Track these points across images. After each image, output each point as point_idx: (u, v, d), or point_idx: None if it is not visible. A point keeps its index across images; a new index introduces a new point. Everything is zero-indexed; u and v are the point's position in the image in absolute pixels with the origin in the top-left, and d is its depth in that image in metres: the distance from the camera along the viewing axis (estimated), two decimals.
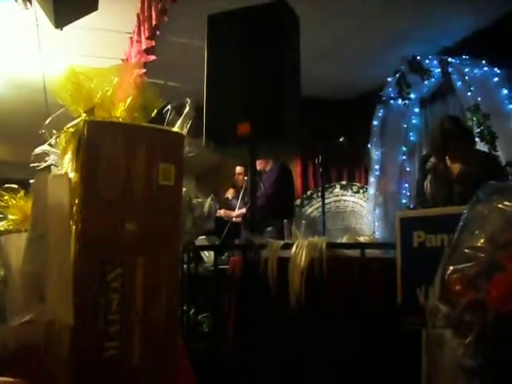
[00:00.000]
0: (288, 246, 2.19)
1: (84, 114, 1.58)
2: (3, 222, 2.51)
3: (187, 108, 1.83)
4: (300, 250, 2.13)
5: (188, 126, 1.78)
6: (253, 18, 2.81)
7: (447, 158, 3.72)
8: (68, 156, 1.61)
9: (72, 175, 1.52)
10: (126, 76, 1.74)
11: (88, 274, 1.38)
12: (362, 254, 2.21)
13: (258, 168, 4.92)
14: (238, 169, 5.90)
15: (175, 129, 1.73)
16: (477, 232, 1.30)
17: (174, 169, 1.50)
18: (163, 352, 1.48)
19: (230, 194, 6.12)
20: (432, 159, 3.76)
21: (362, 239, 2.58)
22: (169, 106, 1.82)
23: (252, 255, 2.23)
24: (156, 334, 1.47)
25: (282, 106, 2.66)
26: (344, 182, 7.21)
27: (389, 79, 6.18)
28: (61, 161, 1.73)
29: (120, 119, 1.65)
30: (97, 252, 1.40)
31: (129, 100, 1.69)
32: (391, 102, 6.23)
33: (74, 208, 1.43)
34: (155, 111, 1.79)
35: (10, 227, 2.46)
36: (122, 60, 5.45)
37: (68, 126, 1.61)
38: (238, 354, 2.18)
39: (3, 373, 1.55)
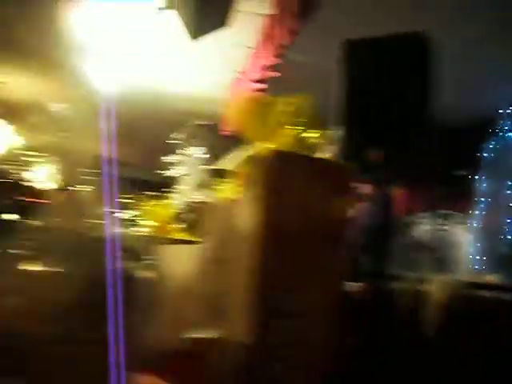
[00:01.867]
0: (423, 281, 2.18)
1: (260, 143, 1.65)
2: (144, 228, 2.64)
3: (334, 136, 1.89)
4: (436, 286, 2.13)
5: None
6: (393, 46, 2.82)
7: None
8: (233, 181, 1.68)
9: (239, 200, 1.59)
10: (291, 108, 1.82)
11: (263, 299, 1.44)
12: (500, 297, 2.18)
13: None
14: None
15: (325, 155, 1.79)
16: None
17: (346, 201, 1.55)
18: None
19: None
20: None
21: (487, 279, 2.54)
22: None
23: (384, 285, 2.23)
24: (314, 359, 1.52)
25: (415, 134, 2.66)
26: (447, 211, 7.03)
27: (504, 111, 6.01)
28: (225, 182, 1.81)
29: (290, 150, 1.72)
30: (273, 279, 1.46)
31: (296, 131, 1.76)
32: (504, 134, 6.06)
33: (251, 237, 1.50)
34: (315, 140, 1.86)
35: (151, 233, 2.58)
36: (239, 73, 5.56)
37: (242, 151, 1.70)
38: None
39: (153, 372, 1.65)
